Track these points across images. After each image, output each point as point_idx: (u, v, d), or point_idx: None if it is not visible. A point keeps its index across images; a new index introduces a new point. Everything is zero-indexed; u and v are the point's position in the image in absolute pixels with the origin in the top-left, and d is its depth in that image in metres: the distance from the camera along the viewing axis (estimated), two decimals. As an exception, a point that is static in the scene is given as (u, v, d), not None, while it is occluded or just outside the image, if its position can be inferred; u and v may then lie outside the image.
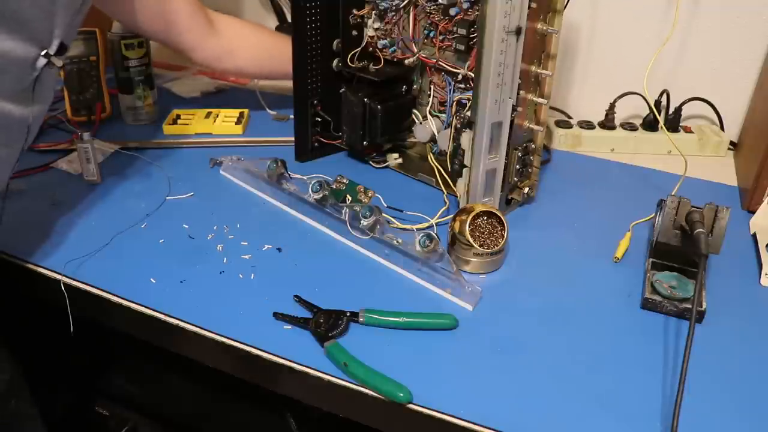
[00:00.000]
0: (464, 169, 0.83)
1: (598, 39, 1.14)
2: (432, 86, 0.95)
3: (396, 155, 1.00)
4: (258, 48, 1.04)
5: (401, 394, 0.59)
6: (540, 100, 0.84)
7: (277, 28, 1.31)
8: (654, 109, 1.04)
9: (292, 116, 1.14)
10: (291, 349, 0.65)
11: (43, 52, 0.68)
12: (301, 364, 0.64)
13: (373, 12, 0.92)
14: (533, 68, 0.82)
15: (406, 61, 0.92)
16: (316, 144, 1.02)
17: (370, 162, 1.00)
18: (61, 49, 0.70)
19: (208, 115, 1.12)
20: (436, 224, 0.85)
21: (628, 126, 1.10)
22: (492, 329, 0.69)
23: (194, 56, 1.00)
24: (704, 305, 0.70)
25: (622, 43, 1.12)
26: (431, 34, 0.89)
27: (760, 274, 0.77)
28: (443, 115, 0.95)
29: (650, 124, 1.09)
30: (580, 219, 0.89)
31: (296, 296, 0.71)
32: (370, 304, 0.69)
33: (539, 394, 0.61)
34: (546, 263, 0.80)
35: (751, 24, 1.04)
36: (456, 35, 0.84)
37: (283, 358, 0.64)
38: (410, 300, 0.72)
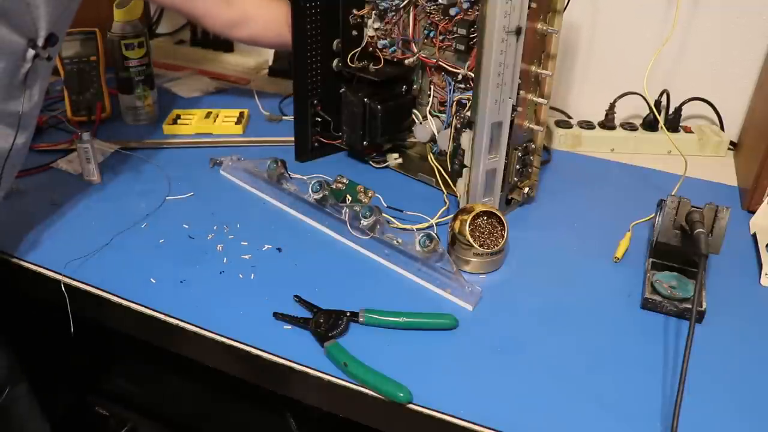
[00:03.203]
0: (464, 169, 0.83)
1: (598, 39, 1.14)
2: (432, 86, 0.95)
3: (396, 155, 1.00)
4: (272, 17, 1.03)
5: (401, 394, 0.59)
6: (540, 100, 0.84)
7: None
8: (654, 109, 1.04)
9: (285, 117, 1.14)
10: (291, 349, 0.65)
11: (31, 44, 0.67)
12: (301, 364, 0.64)
13: (373, 12, 0.92)
14: (533, 68, 0.82)
15: (406, 61, 0.92)
16: (316, 144, 1.02)
17: (370, 162, 1.00)
18: (51, 41, 0.69)
19: (208, 115, 1.12)
20: (436, 224, 0.84)
21: (628, 126, 1.10)
22: (492, 329, 0.68)
23: (207, 23, 1.01)
24: (704, 305, 0.70)
25: (622, 43, 1.12)
26: (431, 34, 0.89)
27: (760, 274, 0.77)
28: (443, 115, 0.95)
29: (650, 124, 1.09)
30: (580, 219, 0.89)
31: (296, 296, 0.71)
32: (370, 304, 0.69)
33: (539, 394, 0.61)
34: (546, 263, 0.80)
35: (751, 24, 1.04)
36: (456, 35, 0.84)
37: (283, 358, 0.64)
38: (410, 300, 0.72)
